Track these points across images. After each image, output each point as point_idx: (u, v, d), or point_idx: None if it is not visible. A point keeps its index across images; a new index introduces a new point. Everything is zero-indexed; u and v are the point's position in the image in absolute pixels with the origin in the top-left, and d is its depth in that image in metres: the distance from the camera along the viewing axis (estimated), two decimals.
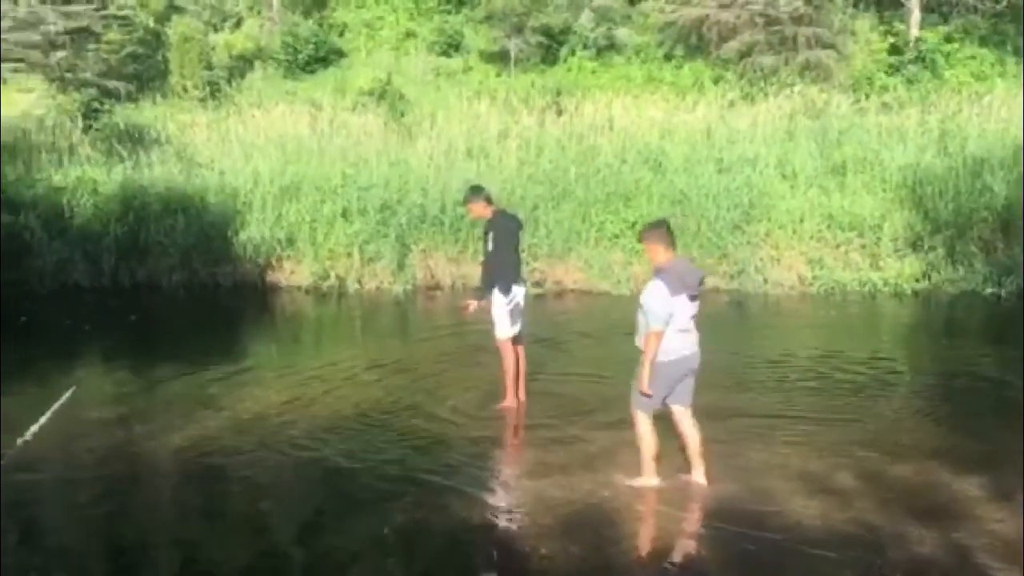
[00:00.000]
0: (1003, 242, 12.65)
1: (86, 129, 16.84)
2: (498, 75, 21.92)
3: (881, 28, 22.38)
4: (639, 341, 5.90)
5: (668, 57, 22.06)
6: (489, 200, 7.78)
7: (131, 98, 20.16)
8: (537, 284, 12.43)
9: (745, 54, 20.62)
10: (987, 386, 8.56)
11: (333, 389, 8.49)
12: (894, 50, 21.06)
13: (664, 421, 6.09)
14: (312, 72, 22.42)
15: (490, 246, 7.60)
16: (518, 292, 7.72)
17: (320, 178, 14.17)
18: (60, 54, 19.74)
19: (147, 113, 19.02)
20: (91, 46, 20.56)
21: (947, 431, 7.36)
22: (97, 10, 20.94)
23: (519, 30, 22.18)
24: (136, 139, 16.58)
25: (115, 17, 21.68)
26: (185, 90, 20.75)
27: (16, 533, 5.80)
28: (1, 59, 18.53)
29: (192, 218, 13.56)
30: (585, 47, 22.46)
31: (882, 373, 8.95)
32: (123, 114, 18.21)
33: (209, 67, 21.55)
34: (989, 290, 12.10)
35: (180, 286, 13.29)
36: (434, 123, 16.74)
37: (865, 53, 21.50)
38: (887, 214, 13.10)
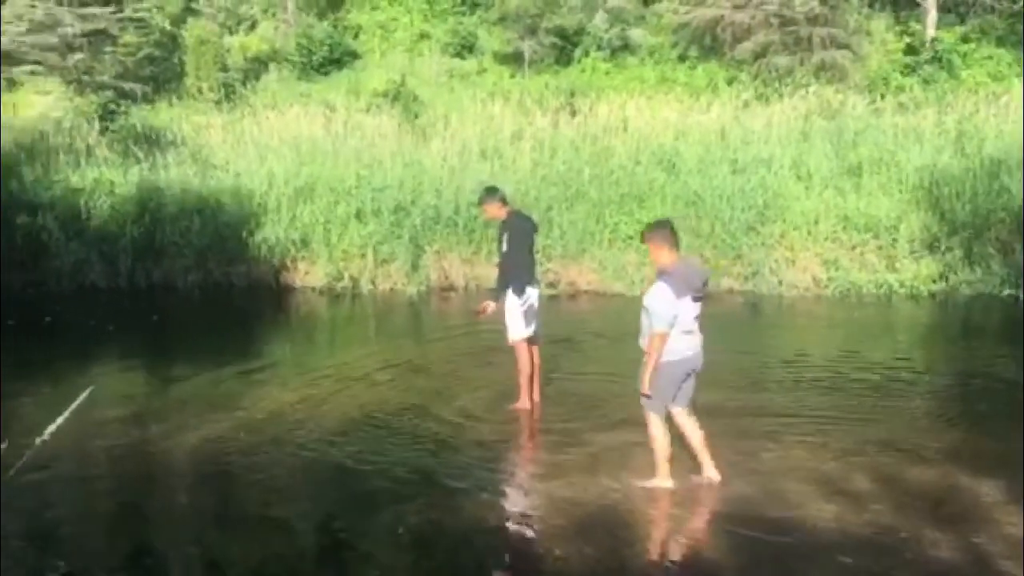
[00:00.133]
0: (1021, 243, 12.54)
1: (103, 131, 16.97)
2: (512, 76, 21.94)
3: (897, 28, 22.28)
4: (643, 342, 5.90)
5: (682, 58, 22.03)
6: (504, 201, 7.77)
7: (147, 100, 20.32)
8: (551, 285, 12.42)
9: (760, 55, 20.56)
10: (1004, 388, 8.48)
11: (347, 389, 8.51)
12: (910, 50, 20.95)
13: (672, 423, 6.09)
14: (326, 74, 22.51)
15: (504, 247, 7.59)
16: (532, 294, 7.70)
17: (334, 179, 14.22)
18: (77, 56, 19.90)
19: (163, 115, 19.15)
20: (108, 48, 20.74)
21: (963, 433, 7.31)
22: (114, 13, 21.11)
23: (533, 31, 22.20)
24: (152, 141, 16.69)
25: (131, 20, 21.84)
26: (200, 92, 20.87)
27: (31, 532, 5.84)
28: (19, 61, 18.66)
29: (207, 219, 13.65)
30: (599, 48, 22.44)
31: (898, 374, 8.89)
32: (139, 116, 18.35)
33: (224, 69, 21.67)
34: (1007, 292, 12.01)
35: (195, 287, 13.37)
36: (448, 124, 16.77)
37: (881, 53, 21.40)
38: (903, 215, 13.01)
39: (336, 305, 12.89)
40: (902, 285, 12.36)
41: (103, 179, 14.55)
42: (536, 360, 7.86)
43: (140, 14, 22.45)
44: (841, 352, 9.83)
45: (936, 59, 19.97)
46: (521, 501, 6.24)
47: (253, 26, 25.82)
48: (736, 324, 11.17)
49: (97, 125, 17.14)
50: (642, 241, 6.13)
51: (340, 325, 12.49)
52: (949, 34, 21.04)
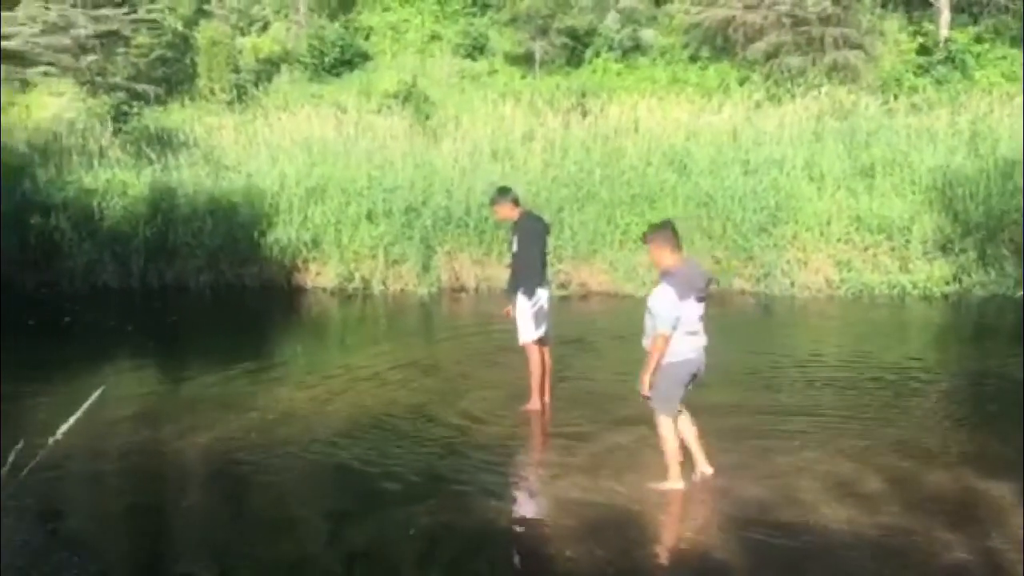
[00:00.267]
0: None
1: (116, 132, 17.06)
2: (523, 77, 21.95)
3: (910, 28, 22.19)
4: (646, 343, 5.88)
5: (693, 58, 21.99)
6: (516, 202, 7.75)
7: (160, 101, 20.42)
8: (562, 286, 12.40)
9: (772, 55, 20.50)
10: (1017, 389, 8.41)
11: (357, 390, 8.51)
12: (923, 50, 20.85)
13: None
14: (338, 75, 22.57)
15: (515, 248, 7.58)
16: (542, 295, 7.68)
17: (346, 180, 14.24)
18: (90, 58, 20.03)
19: (175, 116, 19.24)
20: (121, 50, 20.88)
21: (976, 434, 7.26)
22: (127, 14, 21.24)
23: (544, 32, 22.21)
24: (165, 142, 16.77)
25: (144, 21, 21.97)
26: (213, 93, 20.97)
27: (43, 530, 5.87)
28: (32, 63, 18.79)
29: (219, 220, 13.68)
30: (610, 49, 22.43)
31: (911, 375, 8.85)
32: (152, 117, 18.45)
33: (236, 70, 21.78)
34: (1020, 293, 11.92)
35: (207, 287, 13.42)
36: (459, 125, 16.79)
37: (894, 54, 21.31)
38: (916, 216, 12.94)
39: (347, 306, 12.91)
40: (915, 286, 12.30)
41: (116, 180, 14.61)
42: (548, 361, 7.85)
43: (153, 15, 22.59)
44: (854, 353, 9.79)
45: (949, 59, 19.87)
46: (532, 502, 6.24)
47: (265, 27, 25.94)
48: (748, 325, 11.14)
49: (110, 126, 17.23)
50: (643, 243, 6.10)
51: (351, 326, 12.51)
52: (962, 34, 20.94)
